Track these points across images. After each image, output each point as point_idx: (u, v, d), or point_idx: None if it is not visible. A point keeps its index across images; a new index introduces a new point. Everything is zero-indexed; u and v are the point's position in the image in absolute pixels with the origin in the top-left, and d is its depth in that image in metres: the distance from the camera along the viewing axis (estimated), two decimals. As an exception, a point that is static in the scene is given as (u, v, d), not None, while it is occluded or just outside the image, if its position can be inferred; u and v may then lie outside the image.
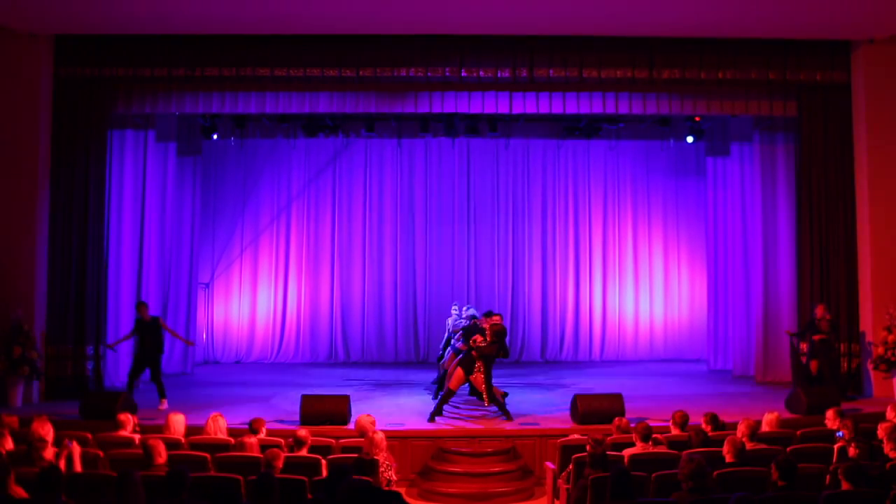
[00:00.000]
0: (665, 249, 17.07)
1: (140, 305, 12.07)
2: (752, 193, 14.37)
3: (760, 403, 11.39)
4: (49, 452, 7.14)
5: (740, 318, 14.74)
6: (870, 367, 12.56)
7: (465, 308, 12.77)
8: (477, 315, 12.03)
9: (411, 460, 10.11)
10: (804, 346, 12.47)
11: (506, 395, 11.51)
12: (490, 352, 10.85)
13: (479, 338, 10.87)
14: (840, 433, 8.16)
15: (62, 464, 7.08)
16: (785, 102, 13.24)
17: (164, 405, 11.43)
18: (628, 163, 16.94)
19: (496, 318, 11.15)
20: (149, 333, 11.72)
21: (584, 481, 6.93)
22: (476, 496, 9.55)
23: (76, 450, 7.24)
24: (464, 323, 12.11)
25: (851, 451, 7.32)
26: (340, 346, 16.56)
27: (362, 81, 12.88)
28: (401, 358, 16.49)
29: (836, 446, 7.78)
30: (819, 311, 12.32)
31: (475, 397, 11.64)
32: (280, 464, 7.05)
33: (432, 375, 13.22)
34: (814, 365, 12.16)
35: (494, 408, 10.94)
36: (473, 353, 10.81)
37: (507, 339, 16.11)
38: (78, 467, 7.17)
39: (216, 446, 8.15)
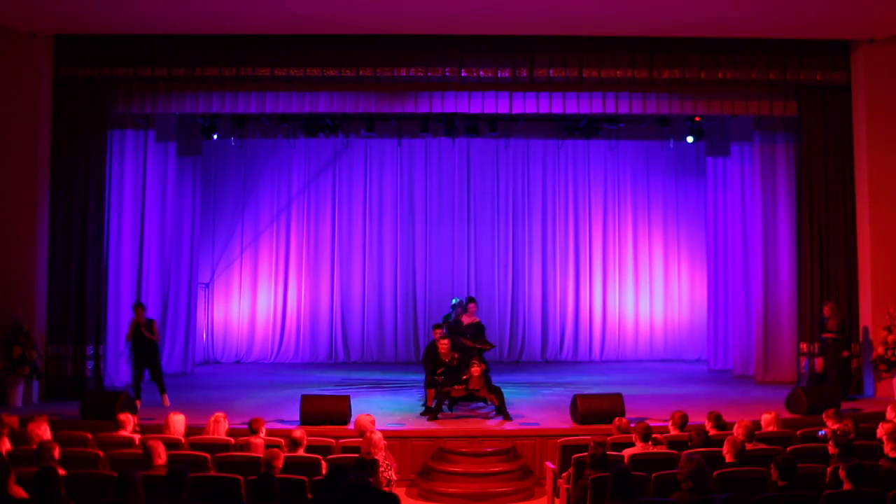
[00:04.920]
0: (665, 249, 17.06)
1: (137, 306, 12.04)
2: (752, 193, 14.36)
3: (760, 403, 11.39)
4: (57, 453, 7.11)
5: (740, 318, 14.73)
6: (870, 367, 12.56)
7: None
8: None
9: (411, 460, 10.10)
10: (810, 346, 12.47)
11: None
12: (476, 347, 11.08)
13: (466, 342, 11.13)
14: (822, 432, 8.18)
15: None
16: (785, 102, 13.24)
17: (167, 402, 11.51)
18: (628, 163, 16.93)
19: (472, 307, 12.31)
20: (145, 335, 11.72)
21: (585, 481, 6.93)
22: (476, 496, 9.55)
23: None
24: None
25: (830, 449, 7.27)
26: (340, 346, 16.56)
27: (362, 81, 12.88)
28: (401, 358, 16.47)
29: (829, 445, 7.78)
30: (827, 310, 12.31)
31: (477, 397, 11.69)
32: (280, 464, 7.05)
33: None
34: (819, 363, 12.15)
35: (492, 406, 10.96)
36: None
37: (507, 338, 16.48)
38: None
39: (216, 446, 8.15)
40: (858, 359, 12.83)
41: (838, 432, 7.94)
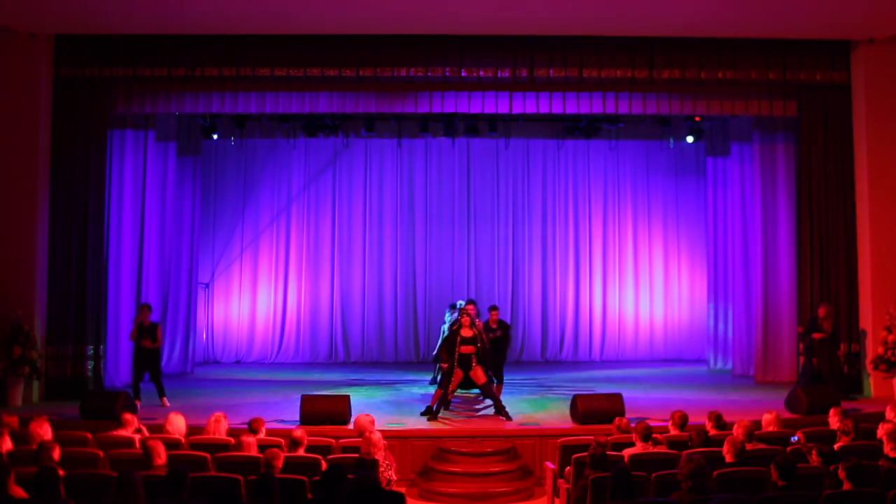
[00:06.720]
0: (665, 249, 17.07)
1: (143, 308, 11.99)
2: (752, 193, 14.36)
3: (760, 403, 11.39)
4: (57, 453, 7.11)
5: (740, 319, 14.74)
6: (870, 367, 12.56)
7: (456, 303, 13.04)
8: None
9: (411, 460, 10.10)
10: (801, 346, 12.50)
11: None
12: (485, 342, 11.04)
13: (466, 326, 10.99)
14: (794, 438, 8.15)
15: None
16: (785, 102, 13.24)
17: (166, 403, 11.49)
18: (628, 163, 16.93)
19: (495, 314, 12.11)
20: (148, 337, 11.69)
21: (585, 481, 6.93)
22: (476, 496, 9.54)
23: None
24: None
25: (813, 460, 7.12)
26: (340, 346, 16.56)
27: (362, 81, 12.88)
28: (401, 358, 16.49)
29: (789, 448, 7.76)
30: (822, 311, 12.33)
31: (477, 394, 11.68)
32: (280, 464, 7.05)
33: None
34: (816, 363, 12.16)
35: (491, 403, 10.97)
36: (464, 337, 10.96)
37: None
38: None
39: (216, 446, 8.14)
40: (858, 359, 12.85)
41: (840, 430, 7.93)
